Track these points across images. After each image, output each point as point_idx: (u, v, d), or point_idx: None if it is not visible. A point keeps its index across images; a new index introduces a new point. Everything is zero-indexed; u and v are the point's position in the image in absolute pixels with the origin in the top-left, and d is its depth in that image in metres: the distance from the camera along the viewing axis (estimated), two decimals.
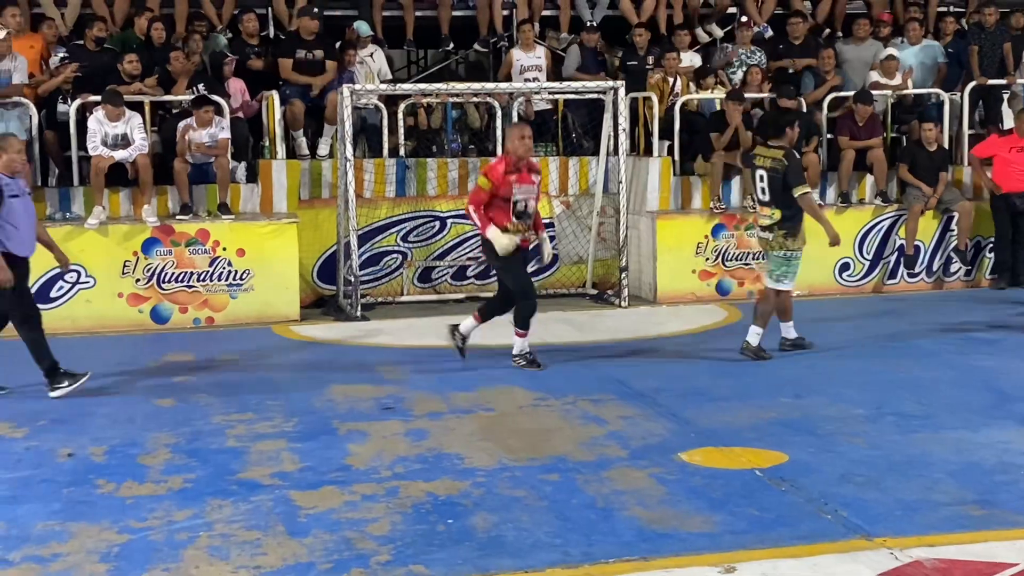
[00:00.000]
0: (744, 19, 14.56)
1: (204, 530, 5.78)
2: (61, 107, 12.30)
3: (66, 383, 8.75)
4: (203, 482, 6.57)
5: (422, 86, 13.68)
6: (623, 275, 12.53)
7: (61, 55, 12.69)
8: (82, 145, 11.85)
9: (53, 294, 11.31)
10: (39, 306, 9.17)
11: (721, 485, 6.33)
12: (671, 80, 13.67)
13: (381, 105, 13.20)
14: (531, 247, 9.50)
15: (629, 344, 10.62)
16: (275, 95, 12.52)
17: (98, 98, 11.69)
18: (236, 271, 11.69)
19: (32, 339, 8.78)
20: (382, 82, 13.56)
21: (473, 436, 7.43)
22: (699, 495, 6.16)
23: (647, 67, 13.96)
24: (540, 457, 6.91)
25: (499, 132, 13.33)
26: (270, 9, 14.30)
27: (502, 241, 9.15)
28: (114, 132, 11.54)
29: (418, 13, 14.85)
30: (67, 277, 11.17)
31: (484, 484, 6.40)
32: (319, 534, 5.67)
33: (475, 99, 13.79)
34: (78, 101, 11.94)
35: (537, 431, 7.58)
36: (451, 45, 15.17)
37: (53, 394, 8.70)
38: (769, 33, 15.11)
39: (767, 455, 6.87)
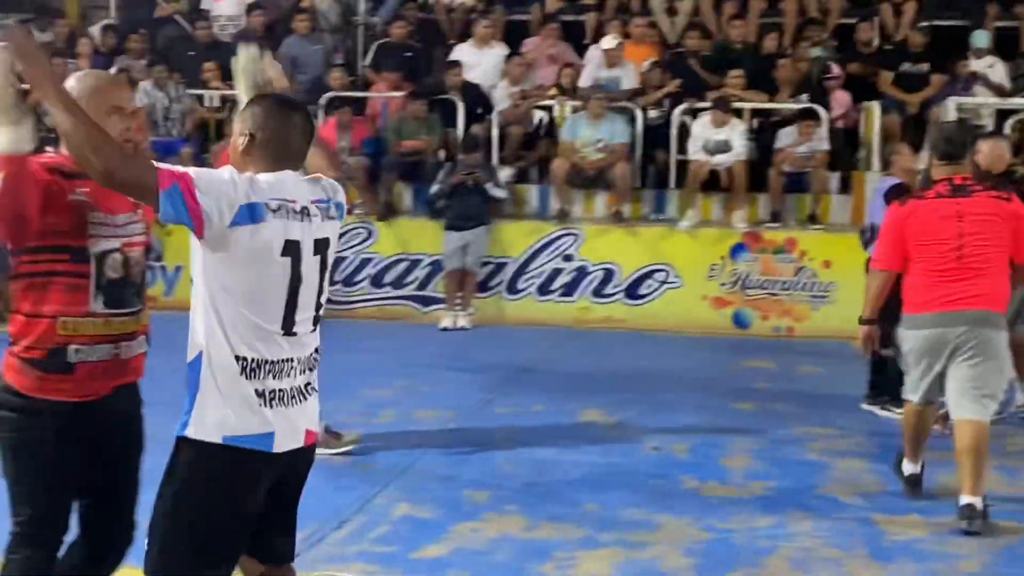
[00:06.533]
0: None
1: (784, 540, 5.71)
2: (652, 112, 12.83)
3: None
4: (783, 492, 6.50)
5: None
6: None
7: None
8: (681, 149, 12.24)
9: (642, 291, 11.79)
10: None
11: None
12: None
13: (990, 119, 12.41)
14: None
15: None
16: (875, 106, 12.19)
17: (704, 105, 12.08)
18: (821, 282, 11.52)
19: None
20: (998, 95, 12.65)
21: None
22: None
23: None
24: None
25: None
26: (876, 19, 13.95)
27: None
28: (716, 138, 11.79)
29: None
30: (656, 276, 11.64)
31: None
32: (905, 563, 5.40)
33: None
34: (681, 106, 12.35)
35: None
36: None
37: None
38: None
39: None
